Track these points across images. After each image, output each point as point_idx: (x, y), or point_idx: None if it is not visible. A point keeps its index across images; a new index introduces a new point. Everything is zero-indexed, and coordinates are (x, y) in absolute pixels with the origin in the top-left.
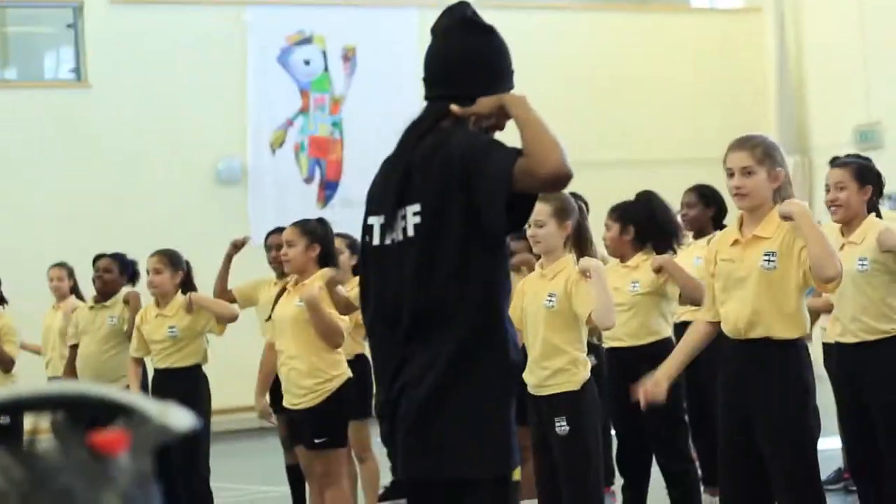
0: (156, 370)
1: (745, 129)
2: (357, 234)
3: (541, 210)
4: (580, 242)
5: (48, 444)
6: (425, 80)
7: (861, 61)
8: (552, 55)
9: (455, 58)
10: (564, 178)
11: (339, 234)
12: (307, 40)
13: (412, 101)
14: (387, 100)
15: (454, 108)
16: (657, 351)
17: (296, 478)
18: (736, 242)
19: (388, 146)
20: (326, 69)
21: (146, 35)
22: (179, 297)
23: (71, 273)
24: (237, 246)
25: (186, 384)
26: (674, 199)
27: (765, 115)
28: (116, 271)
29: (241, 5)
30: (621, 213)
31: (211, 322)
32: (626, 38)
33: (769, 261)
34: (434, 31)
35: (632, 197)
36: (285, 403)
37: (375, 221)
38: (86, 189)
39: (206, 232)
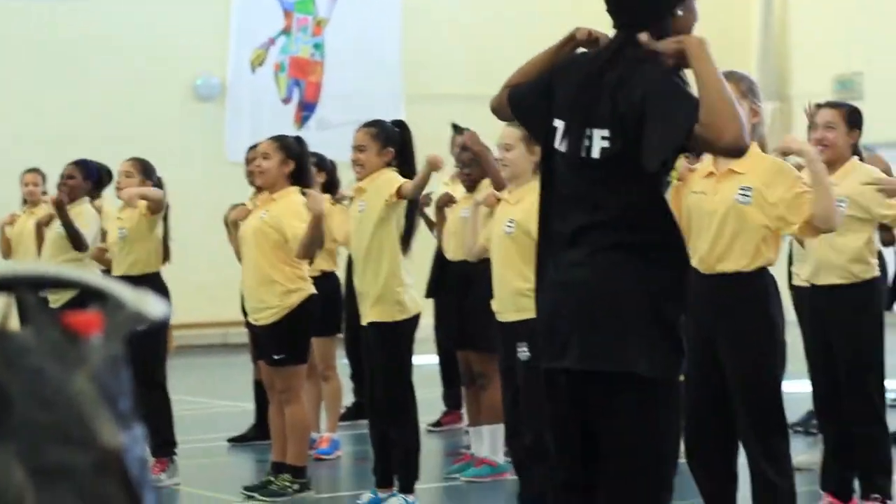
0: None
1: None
2: (335, 155)
3: None
4: None
5: (19, 323)
6: (608, 9)
7: (844, 10)
8: None
9: None
10: (742, 151)
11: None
12: None
13: (394, 27)
14: (369, 25)
15: (643, 38)
16: None
17: (262, 393)
18: (710, 175)
19: (367, 71)
20: None
21: None
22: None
23: (45, 179)
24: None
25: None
26: None
27: (746, 59)
28: (80, 177)
29: None
30: None
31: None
32: None
33: (744, 195)
34: None
35: None
36: (249, 319)
37: (559, 126)
38: (62, 99)
39: (181, 147)
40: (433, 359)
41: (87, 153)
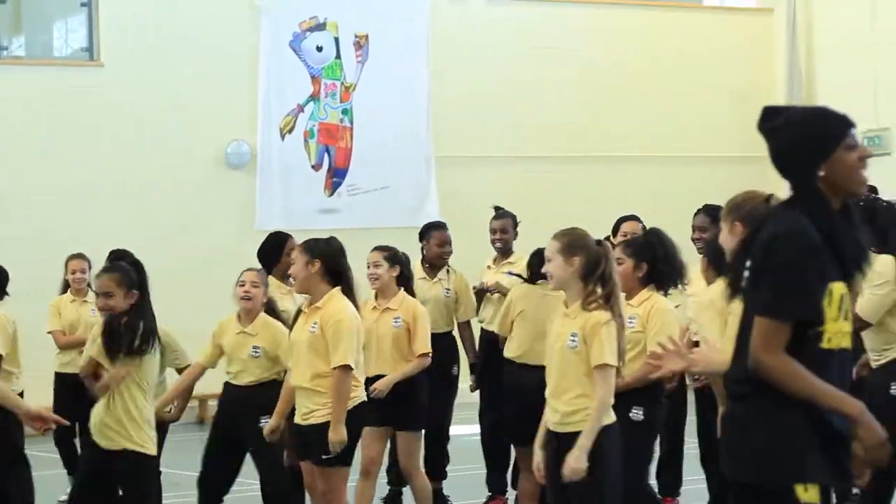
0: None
1: (754, 129)
2: (366, 222)
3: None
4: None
5: None
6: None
7: (871, 66)
8: (566, 49)
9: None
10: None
11: (377, 248)
12: (320, 26)
13: (421, 91)
14: (397, 89)
15: None
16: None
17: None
18: None
19: (396, 135)
20: (338, 56)
21: (159, 15)
22: None
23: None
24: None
25: None
26: (687, 195)
27: None
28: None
29: None
30: (636, 249)
31: None
32: (638, 33)
33: None
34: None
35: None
36: (297, 419)
37: None
38: (93, 169)
39: (211, 215)
40: None
41: (118, 224)
